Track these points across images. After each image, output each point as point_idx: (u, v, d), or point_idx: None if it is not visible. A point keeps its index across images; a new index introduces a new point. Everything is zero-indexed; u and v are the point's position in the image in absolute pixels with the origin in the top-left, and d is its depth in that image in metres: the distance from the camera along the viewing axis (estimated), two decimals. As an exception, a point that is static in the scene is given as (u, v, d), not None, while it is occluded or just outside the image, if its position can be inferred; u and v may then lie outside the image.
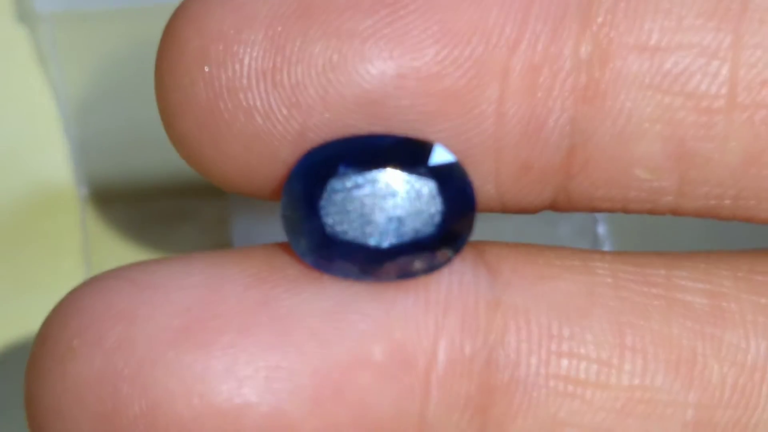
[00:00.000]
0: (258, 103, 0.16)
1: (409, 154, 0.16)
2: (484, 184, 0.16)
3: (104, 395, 0.15)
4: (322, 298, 0.16)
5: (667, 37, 0.16)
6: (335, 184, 0.16)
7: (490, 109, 0.16)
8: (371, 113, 0.16)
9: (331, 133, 0.16)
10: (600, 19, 0.16)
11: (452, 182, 0.16)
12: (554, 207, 0.17)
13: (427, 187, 0.16)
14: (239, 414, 0.15)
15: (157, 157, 0.32)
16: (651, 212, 0.17)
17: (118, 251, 0.32)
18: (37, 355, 0.16)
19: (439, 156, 0.16)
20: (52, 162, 0.32)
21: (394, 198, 0.16)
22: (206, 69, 0.16)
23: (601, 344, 0.16)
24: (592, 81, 0.16)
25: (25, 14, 0.31)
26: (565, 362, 0.16)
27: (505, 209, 0.17)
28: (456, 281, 0.16)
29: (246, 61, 0.16)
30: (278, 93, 0.16)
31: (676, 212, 0.17)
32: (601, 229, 0.30)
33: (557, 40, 0.16)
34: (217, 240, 0.32)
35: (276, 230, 0.32)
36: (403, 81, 0.16)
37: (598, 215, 0.30)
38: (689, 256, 0.17)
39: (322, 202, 0.16)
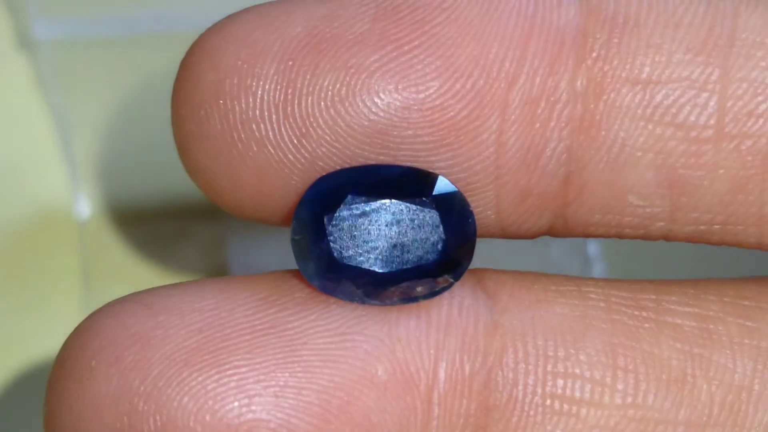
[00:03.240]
0: (270, 134, 0.16)
1: (413, 184, 0.17)
2: (484, 210, 0.17)
3: (121, 412, 0.16)
4: (328, 320, 0.17)
5: (658, 71, 0.17)
6: (343, 211, 0.17)
7: (491, 138, 0.17)
8: (377, 143, 0.17)
9: (339, 162, 0.17)
10: (594, 54, 0.17)
11: (454, 212, 0.17)
12: (552, 233, 0.17)
13: (429, 216, 0.17)
14: (249, 429, 0.16)
15: (154, 180, 0.32)
16: (644, 238, 0.17)
17: (116, 273, 0.32)
18: (57, 376, 0.16)
19: (442, 186, 0.17)
20: (51, 185, 0.32)
21: (399, 226, 0.17)
22: (221, 102, 0.16)
23: (594, 365, 0.17)
24: (587, 112, 0.17)
25: (25, 41, 0.31)
26: (560, 382, 0.17)
27: (505, 234, 0.17)
28: (456, 305, 0.17)
29: (259, 94, 0.16)
30: (289, 124, 0.16)
31: (668, 238, 0.17)
32: (592, 250, 0.31)
33: (554, 74, 0.17)
34: (213, 261, 0.32)
35: (270, 252, 0.32)
36: (408, 112, 0.16)
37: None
38: (678, 283, 0.18)
39: (330, 228, 0.17)
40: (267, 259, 0.32)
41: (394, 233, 0.17)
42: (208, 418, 0.16)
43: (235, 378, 0.16)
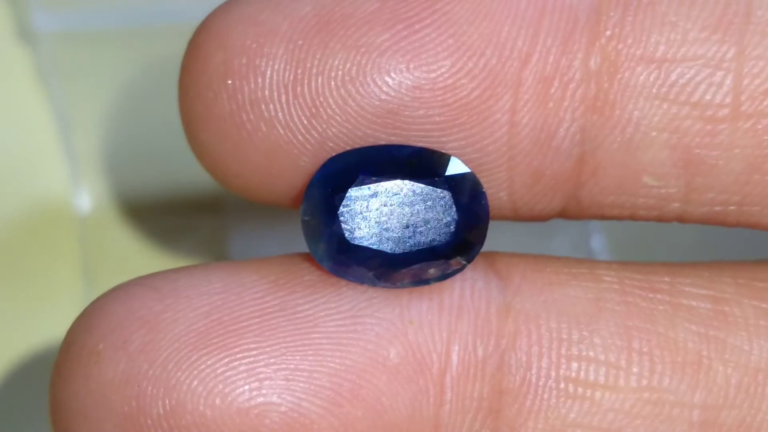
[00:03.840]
0: (279, 114, 0.16)
1: (425, 165, 0.17)
2: (497, 191, 0.17)
3: (129, 396, 0.16)
4: (339, 303, 0.17)
5: (673, 49, 0.17)
6: (354, 191, 0.16)
7: (504, 118, 0.16)
8: (389, 123, 0.16)
9: (349, 143, 0.16)
10: (608, 33, 0.17)
11: (466, 193, 0.17)
12: (565, 214, 0.17)
13: (442, 197, 0.17)
14: (260, 413, 0.16)
15: (155, 174, 0.32)
16: (659, 219, 0.17)
17: (116, 267, 0.32)
18: (63, 361, 0.16)
19: (454, 167, 0.17)
20: (51, 179, 0.32)
21: (411, 207, 0.16)
22: (229, 82, 0.16)
23: (609, 347, 0.17)
24: (601, 91, 0.17)
25: (25, 33, 0.31)
26: (575, 365, 0.17)
27: (518, 216, 0.17)
28: (468, 287, 0.17)
29: (268, 74, 0.16)
30: (299, 104, 0.16)
31: (682, 219, 0.17)
32: (595, 243, 0.31)
33: (567, 53, 0.16)
34: (214, 255, 0.32)
35: (272, 246, 0.32)
36: (419, 92, 0.16)
37: (593, 229, 0.30)
38: (692, 266, 0.18)
39: (341, 209, 0.16)
40: (268, 253, 0.32)
41: (406, 214, 0.16)
42: (218, 401, 0.16)
43: (245, 361, 0.16)
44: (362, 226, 0.17)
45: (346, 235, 0.16)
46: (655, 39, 0.17)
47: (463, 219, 0.17)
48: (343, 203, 0.16)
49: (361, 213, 0.17)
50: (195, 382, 0.16)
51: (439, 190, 0.17)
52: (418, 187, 0.17)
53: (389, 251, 0.17)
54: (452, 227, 0.17)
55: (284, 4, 0.16)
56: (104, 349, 0.16)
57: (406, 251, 0.17)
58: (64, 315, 0.31)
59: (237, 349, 0.16)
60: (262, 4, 0.16)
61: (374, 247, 0.17)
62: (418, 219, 0.16)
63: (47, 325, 0.31)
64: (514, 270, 0.17)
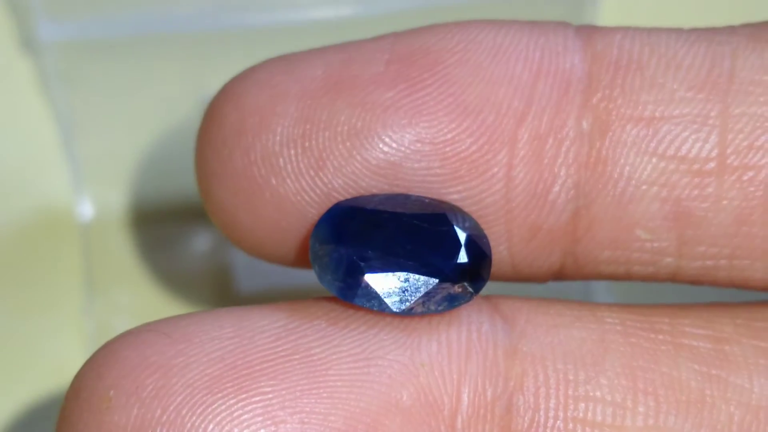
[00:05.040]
0: (289, 167, 0.17)
1: (428, 201, 0.17)
2: (496, 245, 0.18)
3: None
4: (351, 346, 0.17)
5: (661, 108, 0.17)
6: (360, 221, 0.17)
7: (501, 173, 0.17)
8: (392, 174, 0.17)
9: (354, 194, 0.17)
10: (599, 94, 0.17)
11: (468, 228, 0.17)
12: (562, 273, 0.18)
13: (446, 226, 0.17)
14: None
15: (157, 182, 0.33)
16: (654, 278, 0.18)
17: (118, 274, 0.32)
18: (71, 407, 0.16)
19: (456, 207, 0.17)
20: (54, 187, 0.32)
21: (415, 234, 0.17)
22: (243, 139, 0.17)
23: (615, 388, 0.17)
24: (593, 149, 0.17)
25: (29, 43, 0.31)
26: (582, 405, 0.17)
27: (517, 274, 0.18)
28: (475, 330, 0.17)
29: (279, 131, 0.17)
30: (307, 157, 0.17)
31: (675, 278, 0.18)
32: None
33: (561, 113, 0.17)
34: (217, 261, 0.32)
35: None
36: (420, 145, 0.17)
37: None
38: (690, 307, 0.18)
39: (348, 238, 0.17)
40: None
41: (411, 240, 0.17)
42: None
43: (260, 405, 0.16)
44: (369, 253, 0.17)
45: (353, 261, 0.17)
46: (644, 99, 0.17)
47: (466, 244, 0.17)
48: (349, 232, 0.17)
49: (368, 240, 0.17)
50: (211, 426, 0.16)
51: (443, 220, 0.17)
52: (423, 217, 0.17)
53: (396, 274, 0.17)
54: (456, 252, 0.17)
55: (296, 69, 0.17)
56: (116, 395, 0.16)
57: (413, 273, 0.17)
58: (65, 322, 0.31)
59: (252, 393, 0.16)
60: (276, 70, 0.17)
61: (381, 272, 0.17)
62: (423, 245, 0.17)
63: (49, 331, 0.31)
64: (518, 313, 0.18)
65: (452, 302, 0.17)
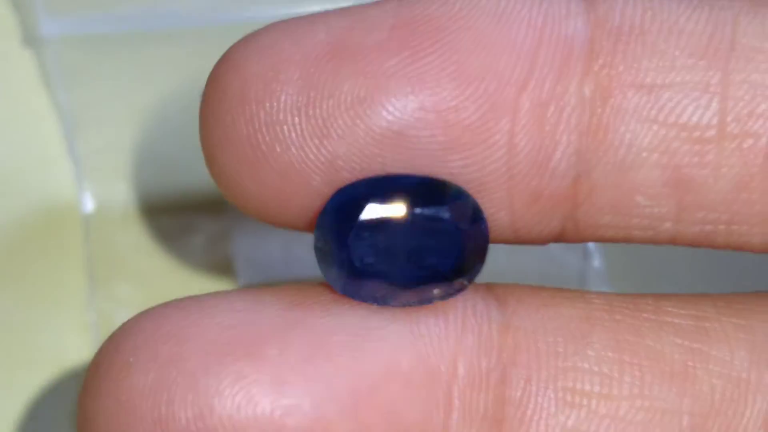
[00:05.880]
0: (293, 135, 0.17)
1: (429, 193, 0.17)
2: (497, 211, 0.18)
3: (158, 402, 0.17)
4: (353, 318, 0.18)
5: (662, 75, 0.17)
6: (363, 220, 0.17)
7: (503, 140, 0.17)
8: (395, 143, 0.17)
9: (358, 161, 0.17)
10: (601, 61, 0.17)
11: (468, 218, 0.17)
12: (563, 236, 0.18)
13: (445, 224, 0.17)
14: (283, 414, 0.17)
15: (159, 175, 0.33)
16: (653, 241, 0.18)
17: (121, 267, 0.32)
18: (91, 379, 0.17)
19: (457, 194, 0.17)
20: (55, 181, 0.33)
21: (416, 234, 0.17)
22: (246, 107, 0.17)
23: (602, 359, 0.18)
24: (594, 116, 0.17)
25: (31, 38, 0.32)
26: (571, 375, 0.18)
27: (518, 238, 0.18)
28: (470, 308, 0.18)
29: (282, 98, 0.17)
30: (311, 125, 0.17)
31: (675, 241, 0.18)
32: (591, 243, 0.31)
33: (562, 80, 0.17)
34: (218, 255, 0.33)
35: (275, 245, 0.33)
36: (424, 114, 0.17)
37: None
38: (674, 294, 0.19)
39: (351, 237, 0.17)
40: (272, 253, 0.32)
41: (412, 241, 0.17)
42: (243, 403, 0.17)
43: (268, 366, 0.17)
44: (372, 253, 0.17)
45: (357, 262, 0.17)
46: (645, 66, 0.17)
47: (464, 244, 0.17)
48: (352, 232, 0.17)
49: (370, 240, 0.17)
50: (223, 384, 0.17)
51: (442, 218, 0.17)
52: (423, 215, 0.17)
53: (396, 275, 0.17)
54: (455, 252, 0.17)
55: (298, 35, 0.17)
56: (135, 361, 0.17)
57: (412, 275, 0.17)
58: (68, 314, 0.31)
59: (260, 356, 0.17)
60: (278, 35, 0.17)
61: (383, 272, 0.17)
62: (424, 245, 0.17)
63: (52, 324, 0.32)
64: (511, 295, 0.18)
65: (448, 293, 0.18)
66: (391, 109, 0.17)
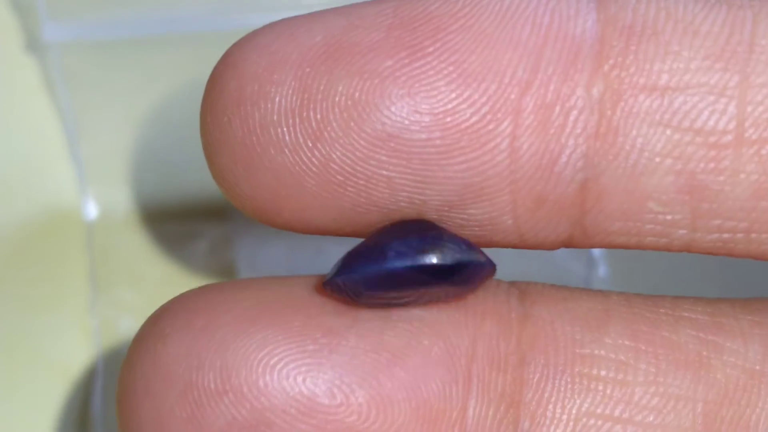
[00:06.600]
0: (287, 138, 0.17)
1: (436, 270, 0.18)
2: (501, 215, 0.17)
3: (191, 366, 0.17)
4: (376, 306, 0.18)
5: (676, 78, 0.17)
6: (380, 281, 0.18)
7: (504, 143, 0.17)
8: (390, 146, 0.17)
9: (352, 165, 0.17)
10: (611, 61, 0.17)
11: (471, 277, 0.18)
12: (572, 242, 0.18)
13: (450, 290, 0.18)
14: (306, 378, 0.17)
15: (161, 182, 0.33)
16: (667, 248, 0.18)
17: (123, 273, 0.32)
18: (133, 348, 0.18)
19: (457, 258, 0.18)
20: (58, 186, 0.32)
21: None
22: (242, 108, 0.17)
23: (618, 347, 0.18)
24: (604, 119, 0.17)
25: (33, 43, 0.32)
26: (588, 361, 0.18)
27: (524, 243, 0.18)
28: (490, 297, 0.18)
29: (277, 100, 0.17)
30: (305, 128, 0.17)
31: (690, 249, 0.18)
32: (596, 251, 0.31)
33: (569, 81, 0.17)
34: (221, 261, 0.32)
35: (277, 252, 0.33)
36: (419, 116, 0.17)
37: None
38: (692, 297, 0.19)
39: (367, 296, 0.18)
40: (274, 259, 0.32)
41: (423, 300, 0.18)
42: (269, 368, 0.17)
43: (295, 334, 0.17)
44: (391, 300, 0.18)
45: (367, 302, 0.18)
46: (658, 67, 0.17)
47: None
48: (369, 290, 0.18)
49: (387, 303, 0.18)
50: (251, 348, 0.17)
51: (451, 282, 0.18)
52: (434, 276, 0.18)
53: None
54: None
55: (296, 35, 0.17)
56: (170, 332, 0.18)
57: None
58: (70, 320, 0.31)
59: (285, 326, 0.17)
60: (275, 35, 0.17)
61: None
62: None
63: (54, 330, 0.31)
64: (532, 288, 0.19)
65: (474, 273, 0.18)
66: (385, 112, 0.17)
